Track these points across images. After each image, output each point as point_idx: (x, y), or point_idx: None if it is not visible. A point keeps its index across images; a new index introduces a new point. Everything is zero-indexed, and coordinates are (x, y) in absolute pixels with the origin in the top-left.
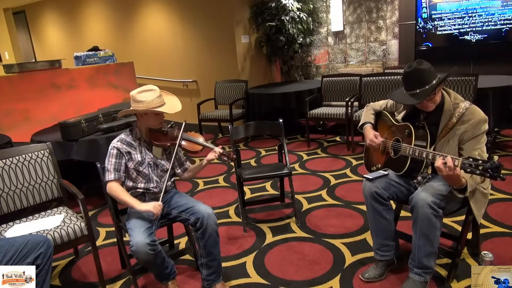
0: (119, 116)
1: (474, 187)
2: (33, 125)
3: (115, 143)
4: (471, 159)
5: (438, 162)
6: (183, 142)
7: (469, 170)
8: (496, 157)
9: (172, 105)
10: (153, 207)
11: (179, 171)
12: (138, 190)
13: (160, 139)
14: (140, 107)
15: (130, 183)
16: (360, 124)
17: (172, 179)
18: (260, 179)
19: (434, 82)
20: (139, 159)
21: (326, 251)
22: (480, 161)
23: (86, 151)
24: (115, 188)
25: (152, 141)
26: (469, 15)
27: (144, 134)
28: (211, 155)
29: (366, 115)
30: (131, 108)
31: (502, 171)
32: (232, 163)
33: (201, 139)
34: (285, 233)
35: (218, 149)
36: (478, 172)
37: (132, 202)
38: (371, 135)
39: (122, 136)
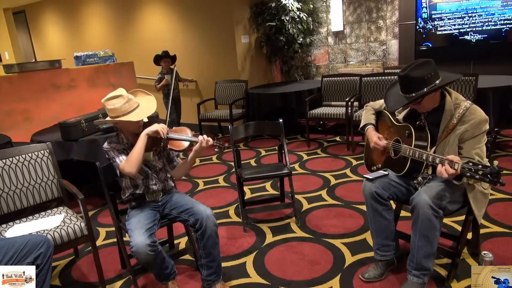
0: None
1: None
2: (33, 125)
3: (106, 146)
4: (471, 164)
5: (442, 171)
6: (170, 147)
7: (468, 174)
8: (496, 162)
9: (144, 109)
10: (157, 125)
11: (167, 168)
12: (137, 192)
13: (145, 145)
14: (112, 115)
15: (128, 181)
16: (361, 125)
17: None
18: (260, 179)
19: (426, 89)
20: None
21: (326, 251)
22: (480, 166)
23: (86, 151)
24: (127, 158)
25: None
26: (469, 15)
27: (130, 138)
28: (197, 146)
29: (366, 116)
30: (107, 117)
31: (503, 171)
32: (229, 150)
33: (187, 134)
34: (285, 233)
35: (202, 137)
36: (477, 177)
37: (139, 141)
38: (375, 138)
39: (112, 139)
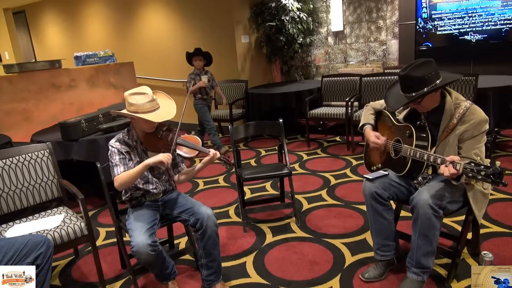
0: (113, 114)
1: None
2: (33, 125)
3: (113, 143)
4: (473, 164)
5: (445, 171)
6: (178, 151)
7: (470, 175)
8: (498, 163)
9: (164, 112)
10: (162, 156)
11: (171, 172)
12: (138, 192)
13: (154, 145)
14: (130, 109)
15: None
16: (360, 125)
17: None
18: (260, 179)
19: (426, 89)
20: (138, 159)
21: (326, 251)
22: (482, 167)
23: (86, 151)
24: (122, 175)
25: (146, 146)
26: (469, 15)
27: (141, 136)
28: (207, 158)
29: (365, 115)
30: (124, 110)
31: (505, 172)
32: (229, 151)
33: (197, 143)
34: (285, 233)
35: (214, 152)
36: (480, 177)
37: (140, 166)
38: (373, 137)
39: (120, 136)
